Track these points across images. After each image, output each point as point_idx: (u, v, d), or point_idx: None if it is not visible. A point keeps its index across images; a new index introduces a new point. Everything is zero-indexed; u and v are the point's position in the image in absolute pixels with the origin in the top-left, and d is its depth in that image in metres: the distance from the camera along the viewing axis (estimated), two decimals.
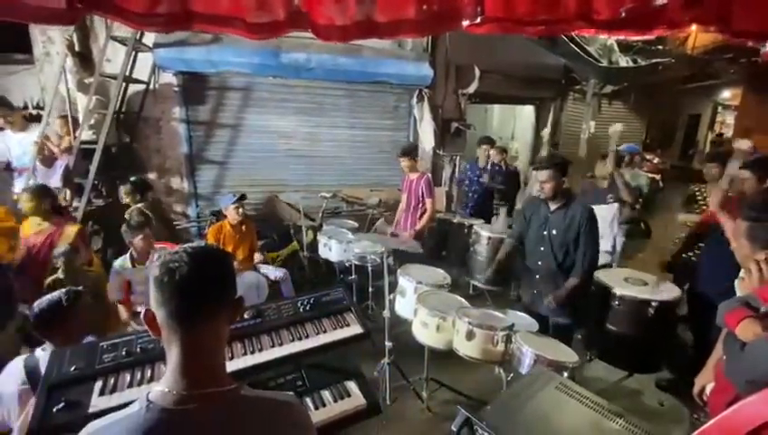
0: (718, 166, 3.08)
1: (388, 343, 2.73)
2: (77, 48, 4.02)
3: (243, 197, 3.54)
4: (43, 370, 1.45)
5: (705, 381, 1.83)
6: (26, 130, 3.68)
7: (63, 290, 1.78)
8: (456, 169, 5.75)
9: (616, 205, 3.76)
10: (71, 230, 2.90)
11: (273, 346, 1.68)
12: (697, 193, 3.28)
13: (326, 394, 1.63)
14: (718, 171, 3.09)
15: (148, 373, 1.48)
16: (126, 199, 3.61)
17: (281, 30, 1.52)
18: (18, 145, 3.66)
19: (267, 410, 0.85)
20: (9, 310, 2.33)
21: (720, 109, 12.98)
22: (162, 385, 0.77)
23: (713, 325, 1.72)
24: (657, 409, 2.81)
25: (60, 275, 2.76)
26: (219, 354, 0.84)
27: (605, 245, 3.44)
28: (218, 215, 4.18)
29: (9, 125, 3.58)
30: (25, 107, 4.39)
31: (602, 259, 3.29)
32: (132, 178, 3.76)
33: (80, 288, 1.86)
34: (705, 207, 3.15)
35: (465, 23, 1.48)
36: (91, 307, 1.89)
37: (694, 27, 1.54)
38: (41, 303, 1.71)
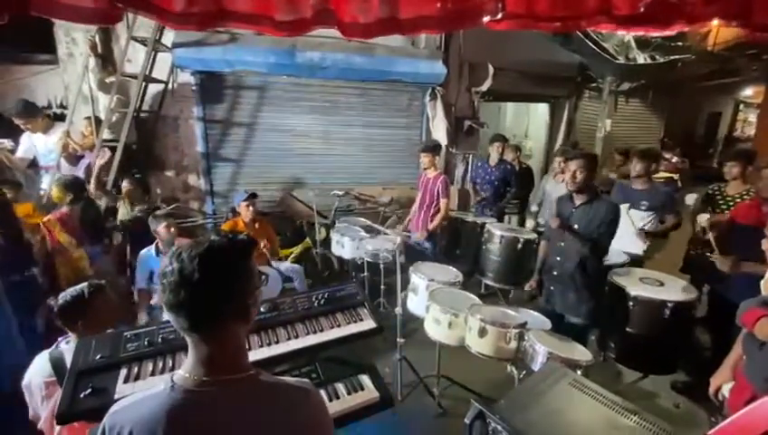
0: (739, 164, 3.02)
1: (400, 340, 2.75)
2: (99, 49, 4.14)
3: (254, 195, 3.61)
4: (67, 362, 1.50)
5: (722, 381, 1.81)
6: (51, 130, 3.80)
7: (86, 283, 1.83)
8: (469, 168, 5.72)
9: (652, 215, 3.24)
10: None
11: (288, 339, 1.72)
12: (716, 192, 3.19)
13: (340, 387, 1.66)
14: (739, 170, 3.02)
15: (170, 363, 1.52)
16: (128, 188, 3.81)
17: (307, 27, 1.55)
18: (44, 144, 3.77)
19: (283, 394, 0.88)
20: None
21: (742, 107, 12.60)
22: (184, 370, 0.82)
23: (734, 327, 1.70)
24: (672, 411, 2.76)
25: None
26: (235, 346, 0.85)
27: (632, 247, 3.26)
28: (235, 212, 4.26)
29: (30, 131, 3.68)
30: (49, 106, 4.54)
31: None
32: (138, 175, 3.91)
33: (102, 282, 1.91)
34: (724, 208, 3.07)
35: (486, 19, 1.48)
36: (111, 301, 1.93)
37: (715, 22, 1.51)
38: (65, 295, 1.77)
